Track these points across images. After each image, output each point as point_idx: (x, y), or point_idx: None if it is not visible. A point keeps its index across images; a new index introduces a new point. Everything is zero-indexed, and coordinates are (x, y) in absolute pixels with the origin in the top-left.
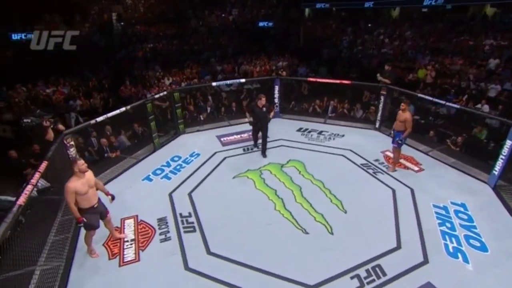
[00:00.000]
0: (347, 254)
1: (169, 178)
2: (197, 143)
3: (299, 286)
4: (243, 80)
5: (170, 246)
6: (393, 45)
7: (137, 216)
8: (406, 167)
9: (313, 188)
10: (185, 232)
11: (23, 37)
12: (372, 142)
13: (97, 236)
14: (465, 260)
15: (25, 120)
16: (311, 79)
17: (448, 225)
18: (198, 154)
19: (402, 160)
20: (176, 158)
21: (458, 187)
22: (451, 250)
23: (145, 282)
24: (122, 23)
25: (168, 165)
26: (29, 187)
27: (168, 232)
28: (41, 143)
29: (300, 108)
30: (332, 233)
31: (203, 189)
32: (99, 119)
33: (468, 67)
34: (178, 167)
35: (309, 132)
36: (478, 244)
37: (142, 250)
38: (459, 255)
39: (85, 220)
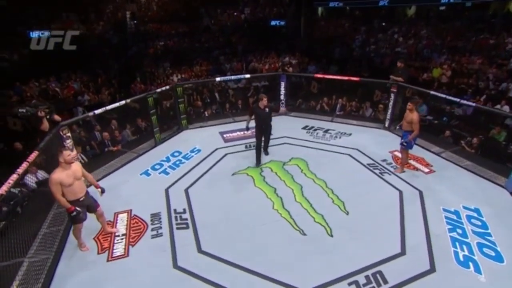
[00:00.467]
0: (346, 259)
1: (167, 173)
2: (199, 139)
3: None
4: (247, 76)
5: (161, 243)
6: (408, 44)
7: (131, 210)
8: (415, 168)
9: (314, 187)
10: (177, 228)
11: (40, 35)
12: (381, 142)
13: (89, 230)
14: (477, 270)
15: (20, 110)
16: (318, 75)
17: (459, 231)
18: (199, 150)
19: (411, 161)
20: (176, 154)
21: (472, 191)
22: (461, 258)
23: (131, 279)
24: (135, 21)
25: (168, 160)
26: (14, 176)
27: (161, 228)
28: (36, 133)
29: (307, 106)
30: (331, 235)
31: (200, 185)
32: (97, 111)
33: (487, 67)
34: (177, 162)
35: (315, 130)
36: (492, 254)
37: (132, 246)
38: (471, 264)
39: (77, 209)
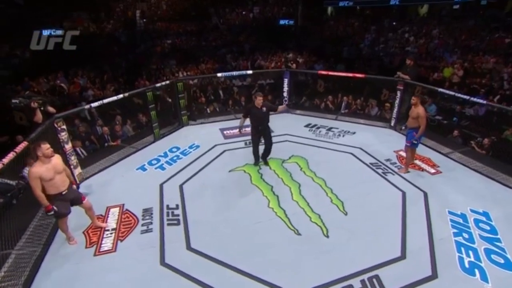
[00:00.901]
0: (341, 261)
1: (163, 169)
2: (198, 135)
3: None
4: (249, 72)
5: (150, 238)
6: (418, 43)
7: (123, 205)
8: (421, 169)
9: (313, 186)
10: (168, 224)
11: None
12: (385, 141)
13: (79, 223)
14: (484, 278)
15: (13, 101)
16: (322, 72)
17: (466, 235)
18: (197, 146)
19: (417, 161)
20: (174, 149)
21: (481, 194)
22: (466, 265)
23: (115, 274)
24: (144, 20)
25: (165, 155)
26: None
27: (151, 223)
28: (30, 124)
29: (311, 104)
30: (327, 236)
31: (195, 181)
32: (94, 104)
33: (502, 66)
34: (174, 158)
35: (318, 128)
36: (501, 261)
37: (121, 241)
38: (477, 271)
39: (55, 208)
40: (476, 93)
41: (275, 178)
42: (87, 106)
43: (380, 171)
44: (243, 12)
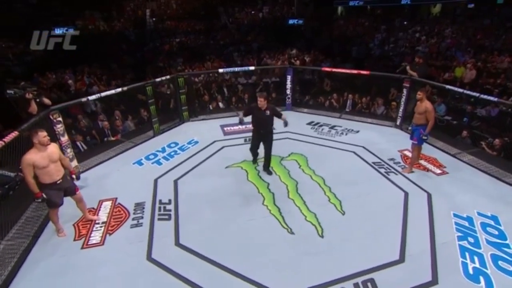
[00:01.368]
0: (334, 263)
1: (160, 164)
2: (198, 131)
3: None
4: (252, 68)
5: (139, 233)
6: (429, 42)
7: (116, 198)
8: (426, 169)
9: (311, 184)
10: (159, 219)
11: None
12: (390, 140)
13: (70, 216)
14: (489, 286)
15: (8, 92)
16: (326, 68)
17: (471, 240)
18: (196, 142)
19: (422, 161)
20: (172, 145)
21: (490, 196)
22: (470, 271)
23: (100, 268)
24: (154, 19)
25: (163, 150)
26: None
27: (142, 218)
28: (25, 115)
29: (315, 102)
30: (322, 236)
31: (191, 177)
32: (91, 97)
33: None
34: (172, 153)
35: (320, 126)
36: (510, 268)
37: (110, 234)
38: (482, 279)
39: (44, 196)
40: (490, 93)
41: (272, 175)
42: (84, 99)
43: (382, 170)
44: (252, 12)
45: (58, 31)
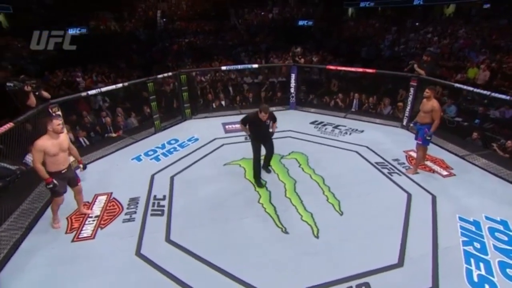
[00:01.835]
0: (328, 264)
1: (158, 160)
2: (199, 128)
3: None
4: (255, 66)
5: (131, 228)
6: (442, 43)
7: (111, 193)
8: (431, 170)
9: (310, 183)
10: (151, 215)
11: (78, 32)
12: (395, 140)
13: (63, 209)
14: None
15: (8, 84)
16: (331, 66)
17: (477, 245)
18: (196, 139)
19: (428, 162)
20: (172, 141)
21: (500, 200)
22: (475, 278)
23: (87, 262)
24: (164, 20)
25: (163, 147)
26: None
27: (135, 213)
28: (23, 108)
29: (320, 102)
30: (317, 236)
31: (188, 173)
32: (91, 92)
33: None
34: (171, 150)
35: (324, 125)
36: None
37: (101, 228)
38: (487, 287)
39: (55, 181)
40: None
41: (270, 174)
42: (84, 94)
43: (385, 171)
44: (262, 13)
45: (71, 31)
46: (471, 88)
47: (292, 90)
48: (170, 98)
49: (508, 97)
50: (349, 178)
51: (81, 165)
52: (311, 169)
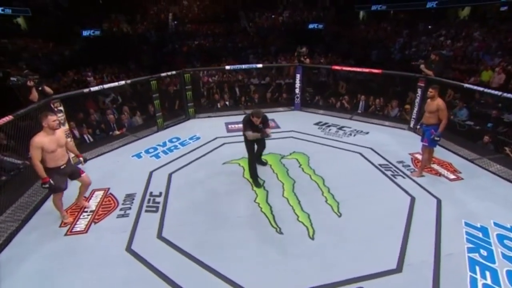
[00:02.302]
0: (322, 267)
1: (158, 157)
2: (202, 127)
3: None
4: (259, 66)
5: (124, 223)
6: (455, 46)
7: (108, 189)
8: (438, 174)
9: (309, 184)
10: (146, 211)
11: (91, 34)
12: (401, 142)
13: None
14: None
15: (11, 79)
16: (336, 67)
17: (484, 252)
18: (198, 138)
19: (434, 165)
20: (174, 140)
21: (511, 206)
22: (480, 287)
23: (77, 255)
24: (175, 22)
25: (164, 145)
26: None
27: (130, 208)
28: (26, 103)
29: (326, 103)
30: (312, 238)
31: (186, 171)
32: (93, 88)
33: None
34: (172, 147)
35: (328, 126)
36: None
37: (95, 223)
38: None
39: (52, 182)
40: None
41: (269, 173)
42: (86, 90)
43: (389, 173)
44: (273, 16)
45: (85, 33)
46: (481, 89)
47: (297, 90)
48: (173, 99)
49: None
50: (350, 180)
51: (81, 159)
52: (311, 170)
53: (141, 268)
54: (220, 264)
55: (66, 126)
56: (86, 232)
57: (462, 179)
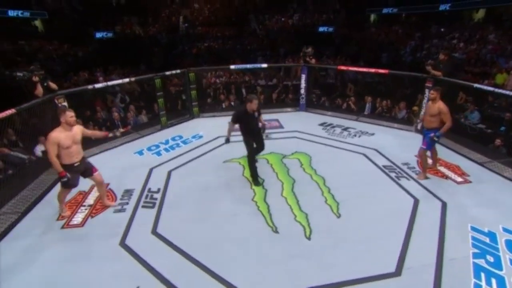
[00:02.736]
0: (316, 268)
1: (159, 154)
2: (206, 126)
3: None
4: (264, 65)
5: (120, 218)
6: (468, 48)
7: (107, 184)
8: (444, 176)
9: (309, 184)
10: (143, 207)
11: (104, 36)
12: (407, 144)
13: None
14: None
15: (18, 74)
16: (342, 67)
17: (490, 259)
18: (200, 136)
19: (441, 168)
20: (176, 138)
21: None
22: None
23: (70, 248)
24: (186, 25)
25: (166, 142)
26: None
27: (127, 204)
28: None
29: (332, 104)
30: (308, 238)
31: (186, 168)
32: (98, 85)
33: None
34: (174, 145)
35: (333, 127)
36: None
37: (92, 217)
38: None
39: (68, 175)
40: None
41: (270, 173)
42: (90, 86)
43: (393, 174)
44: (282, 19)
45: (98, 35)
46: (491, 88)
47: (302, 91)
48: (175, 99)
49: None
50: (352, 180)
51: (111, 134)
52: (312, 170)
53: (133, 263)
54: (212, 262)
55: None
56: (83, 225)
57: (470, 182)
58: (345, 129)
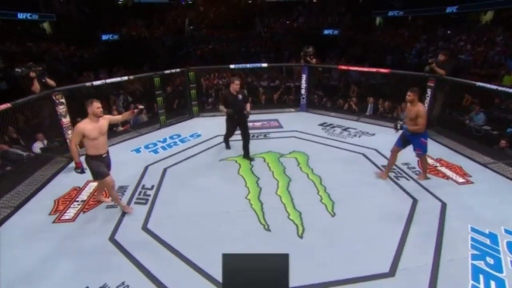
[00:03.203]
0: (308, 267)
1: (156, 152)
2: (204, 125)
3: None
4: (264, 65)
5: (112, 214)
6: (475, 51)
7: None
8: (445, 177)
9: (305, 182)
10: (135, 203)
11: (110, 38)
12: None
13: (52, 191)
14: None
15: (16, 70)
16: (343, 66)
17: (490, 260)
18: (198, 135)
19: (442, 168)
20: (175, 136)
21: None
22: None
23: (59, 243)
24: (191, 27)
25: (164, 141)
26: None
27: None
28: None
29: (334, 105)
30: (301, 237)
31: (182, 166)
32: (96, 83)
33: None
34: (171, 144)
35: (333, 127)
36: None
37: (84, 213)
38: None
39: (83, 167)
40: None
41: (265, 171)
42: (88, 84)
43: (392, 174)
44: (287, 22)
45: (104, 37)
46: (494, 87)
47: (303, 91)
48: (172, 99)
49: None
50: (349, 180)
51: (135, 111)
52: (309, 169)
53: (121, 258)
54: (201, 259)
55: (68, 118)
56: (74, 221)
57: (472, 183)
58: (345, 129)
